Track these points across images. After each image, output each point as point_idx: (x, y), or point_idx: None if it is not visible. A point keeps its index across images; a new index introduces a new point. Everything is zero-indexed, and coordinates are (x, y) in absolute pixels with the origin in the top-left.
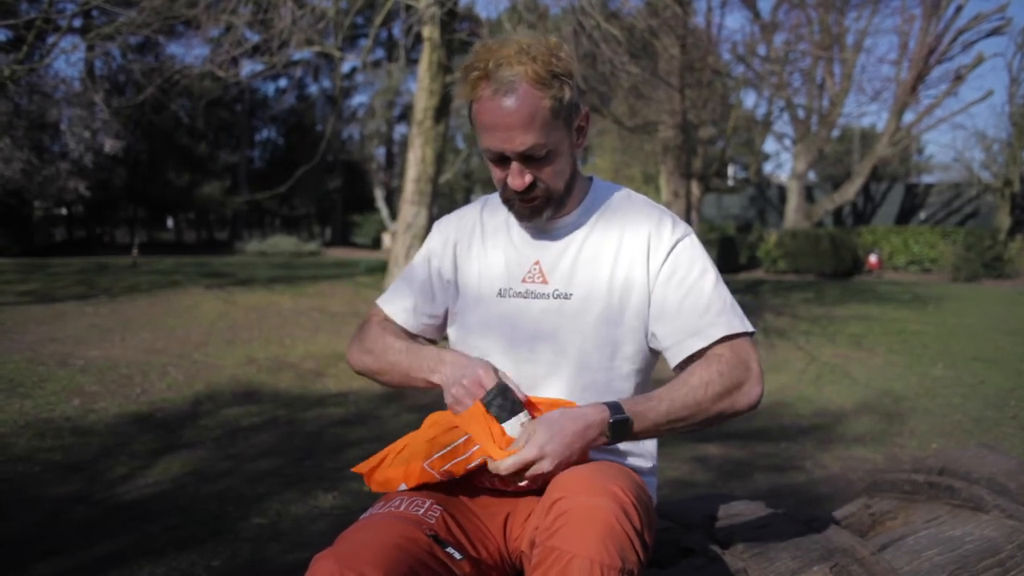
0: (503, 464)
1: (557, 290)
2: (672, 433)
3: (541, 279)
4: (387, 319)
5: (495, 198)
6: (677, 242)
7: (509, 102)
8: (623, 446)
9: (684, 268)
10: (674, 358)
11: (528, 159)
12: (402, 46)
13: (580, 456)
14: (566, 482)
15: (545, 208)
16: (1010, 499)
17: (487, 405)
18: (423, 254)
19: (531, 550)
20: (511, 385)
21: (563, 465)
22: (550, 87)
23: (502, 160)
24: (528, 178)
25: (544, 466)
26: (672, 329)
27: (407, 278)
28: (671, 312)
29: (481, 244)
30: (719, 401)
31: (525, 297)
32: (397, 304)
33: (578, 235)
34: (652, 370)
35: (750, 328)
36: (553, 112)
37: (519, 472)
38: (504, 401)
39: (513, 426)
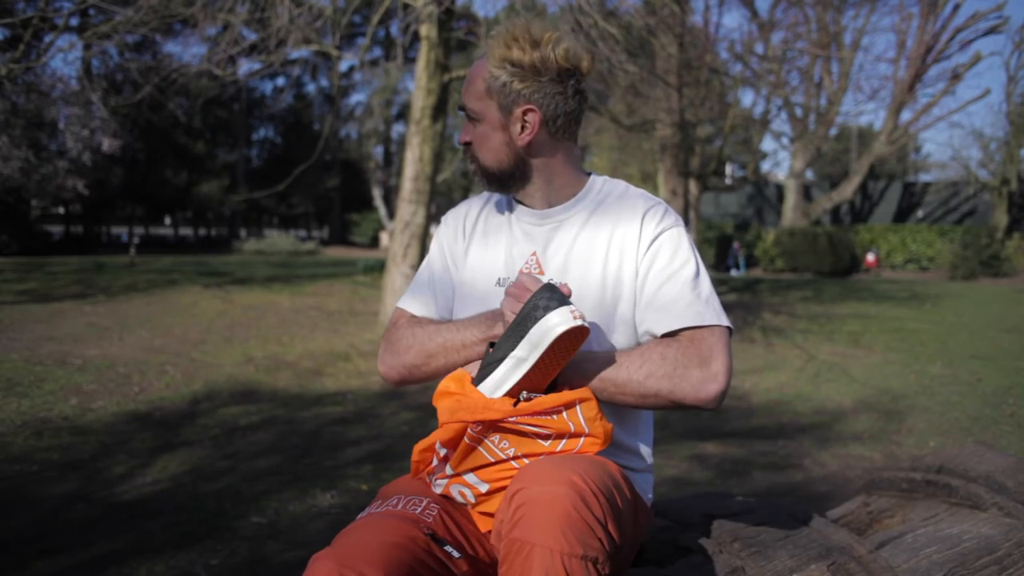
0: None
1: (552, 279)
2: (607, 398)
3: (538, 269)
4: (413, 317)
5: (497, 195)
6: (661, 233)
7: (473, 66)
8: (617, 443)
9: (664, 258)
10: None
11: (469, 118)
12: (400, 45)
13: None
14: (527, 473)
15: (479, 175)
16: (1008, 497)
17: (535, 300)
18: (435, 248)
19: (499, 543)
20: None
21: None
22: (495, 66)
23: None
24: (466, 137)
25: None
26: (642, 317)
27: (423, 273)
28: (646, 300)
29: (483, 237)
30: (654, 381)
31: None
32: (418, 301)
33: (573, 228)
34: None
35: (724, 322)
36: (487, 86)
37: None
38: (552, 294)
39: (563, 314)
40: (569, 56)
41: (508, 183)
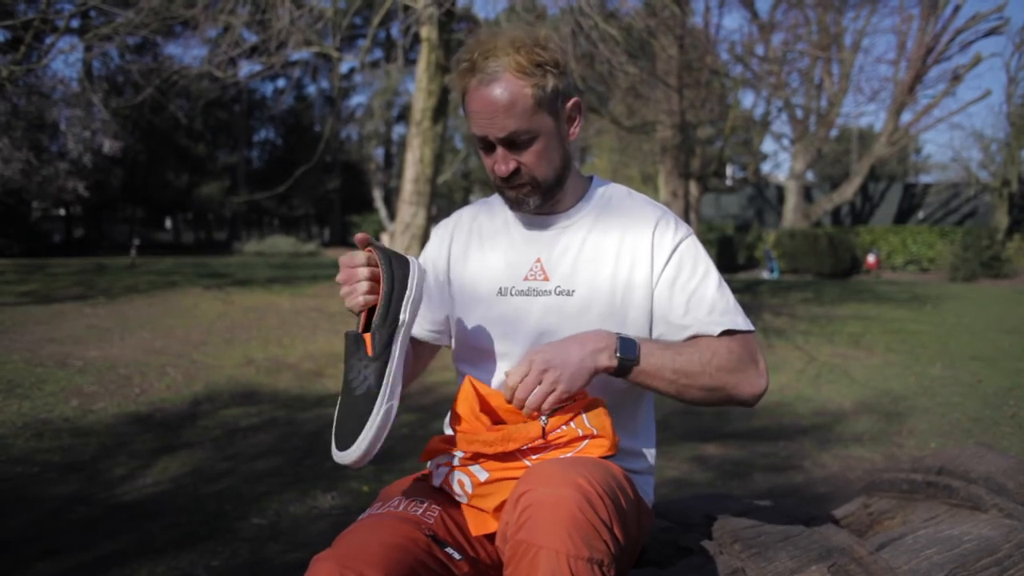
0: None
1: (559, 287)
2: (674, 391)
3: (543, 276)
4: None
5: (493, 200)
6: (680, 243)
7: (491, 90)
8: (620, 445)
9: (688, 271)
10: None
11: (511, 145)
12: (400, 46)
13: (581, 369)
14: (532, 475)
15: (532, 195)
16: (1008, 498)
17: (387, 270)
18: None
19: (504, 546)
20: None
21: (563, 376)
22: (532, 76)
23: (489, 146)
24: (512, 164)
25: (538, 363)
26: (676, 328)
27: None
28: (677, 314)
29: (479, 246)
30: (722, 374)
31: (527, 295)
32: None
33: (579, 233)
34: None
35: (752, 328)
36: (536, 100)
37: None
38: (383, 254)
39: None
40: (559, 47)
41: (556, 189)
